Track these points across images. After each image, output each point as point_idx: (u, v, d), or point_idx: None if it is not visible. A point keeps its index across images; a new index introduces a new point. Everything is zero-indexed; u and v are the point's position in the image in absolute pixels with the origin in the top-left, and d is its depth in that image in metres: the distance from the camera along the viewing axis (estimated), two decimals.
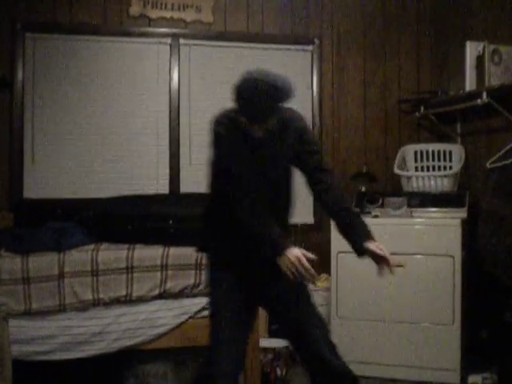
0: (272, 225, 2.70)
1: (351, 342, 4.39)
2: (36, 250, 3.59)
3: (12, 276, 3.52)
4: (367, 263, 4.30)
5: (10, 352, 2.62)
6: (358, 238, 2.85)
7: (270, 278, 2.82)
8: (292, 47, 5.20)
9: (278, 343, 4.25)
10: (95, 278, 3.55)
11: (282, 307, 2.91)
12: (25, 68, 4.68)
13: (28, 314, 3.51)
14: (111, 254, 3.59)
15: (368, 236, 2.83)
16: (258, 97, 2.64)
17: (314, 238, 5.12)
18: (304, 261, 2.64)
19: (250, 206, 2.70)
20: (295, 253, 2.64)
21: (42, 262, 3.54)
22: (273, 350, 4.12)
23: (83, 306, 3.52)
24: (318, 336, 2.88)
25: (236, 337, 2.82)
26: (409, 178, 4.82)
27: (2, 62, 4.65)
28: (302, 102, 5.19)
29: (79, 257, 3.55)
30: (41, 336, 3.47)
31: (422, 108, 5.12)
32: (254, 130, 2.72)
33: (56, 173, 4.70)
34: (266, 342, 4.12)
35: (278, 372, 4.11)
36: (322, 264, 4.86)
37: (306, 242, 5.07)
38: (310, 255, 2.68)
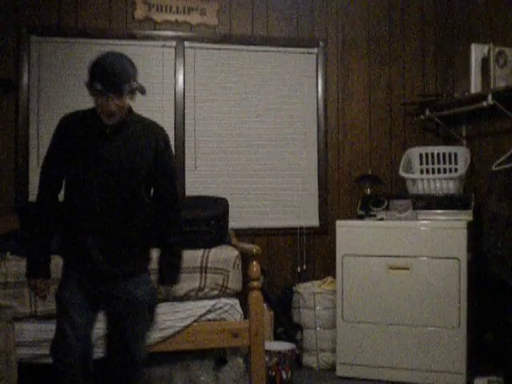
0: (38, 244, 2.91)
1: (357, 345, 4.39)
2: None
3: (18, 279, 3.52)
4: (373, 267, 4.32)
5: (15, 354, 2.63)
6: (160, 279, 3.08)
7: (104, 279, 2.90)
8: (297, 50, 5.20)
9: (283, 346, 4.24)
10: None
11: (115, 313, 2.95)
12: (30, 71, 4.69)
13: (34, 316, 3.52)
14: None
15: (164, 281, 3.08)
16: (112, 63, 2.77)
17: (319, 241, 5.13)
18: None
19: (36, 215, 2.93)
20: (31, 284, 2.93)
21: None
22: (278, 353, 4.11)
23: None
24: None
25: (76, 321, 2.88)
26: (414, 180, 4.82)
27: (7, 65, 4.66)
28: (307, 105, 5.20)
29: None
30: (46, 339, 3.46)
31: (427, 110, 5.12)
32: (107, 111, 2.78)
33: None
34: (271, 345, 4.11)
35: (284, 375, 4.11)
36: (327, 267, 4.88)
37: (310, 244, 5.10)
38: (40, 293, 2.96)
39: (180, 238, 3.06)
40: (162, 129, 3.04)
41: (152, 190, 3.01)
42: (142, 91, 2.87)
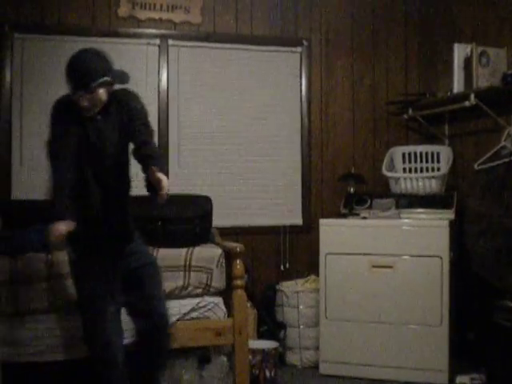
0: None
1: (340, 343, 4.41)
2: (24, 251, 3.58)
3: (0, 277, 3.50)
4: (356, 265, 4.35)
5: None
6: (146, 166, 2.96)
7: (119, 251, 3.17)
8: (281, 49, 5.20)
9: (267, 345, 4.25)
10: None
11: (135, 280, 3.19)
12: (13, 69, 4.65)
13: (16, 315, 3.50)
14: None
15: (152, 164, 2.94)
16: (80, 63, 2.98)
17: (302, 239, 5.13)
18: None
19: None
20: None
21: (30, 263, 3.52)
22: (261, 351, 4.12)
23: (71, 307, 3.49)
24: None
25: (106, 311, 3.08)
26: (397, 179, 4.84)
27: None
28: (291, 104, 5.21)
29: (67, 258, 3.52)
30: (29, 337, 3.45)
31: (411, 110, 5.14)
32: (84, 102, 2.95)
33: (44, 174, 4.65)
34: (254, 344, 4.12)
35: (267, 373, 4.11)
36: (311, 265, 4.88)
37: (294, 243, 5.10)
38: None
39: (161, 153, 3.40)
40: (128, 92, 3.18)
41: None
42: (122, 81, 3.05)
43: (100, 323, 3.05)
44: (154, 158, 2.95)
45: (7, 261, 3.52)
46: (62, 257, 3.52)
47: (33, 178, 4.62)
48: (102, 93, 2.97)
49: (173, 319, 3.63)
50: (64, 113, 3.04)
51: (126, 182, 3.23)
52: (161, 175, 2.82)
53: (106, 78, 2.96)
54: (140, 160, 3.01)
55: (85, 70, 2.93)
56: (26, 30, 4.69)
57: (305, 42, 5.22)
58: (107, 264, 3.12)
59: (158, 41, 4.94)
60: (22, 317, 3.50)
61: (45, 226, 2.91)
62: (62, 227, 2.83)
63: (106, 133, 3.05)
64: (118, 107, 3.09)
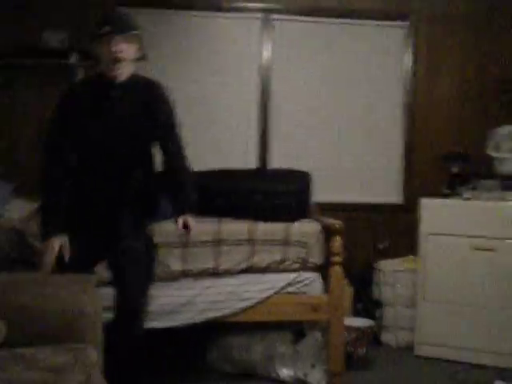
0: (53, 205, 3.11)
1: (437, 325, 4.33)
2: None
3: None
4: (457, 247, 4.24)
5: (101, 318, 2.71)
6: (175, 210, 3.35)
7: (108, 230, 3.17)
8: (385, 23, 5.09)
9: (363, 323, 4.23)
10: (184, 250, 3.61)
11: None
12: None
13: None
14: (199, 227, 3.61)
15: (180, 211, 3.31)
16: (119, 12, 3.27)
17: (402, 218, 5.05)
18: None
19: (46, 172, 3.15)
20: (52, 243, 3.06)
21: None
22: (357, 329, 4.10)
23: (173, 277, 3.58)
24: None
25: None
26: (503, 160, 4.67)
27: None
28: (394, 79, 5.11)
29: (169, 228, 3.60)
30: None
31: None
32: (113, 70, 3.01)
33: None
34: (350, 321, 4.10)
35: (361, 351, 4.10)
36: (409, 245, 4.80)
37: (393, 221, 5.03)
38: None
39: (191, 183, 3.35)
40: (159, 86, 3.26)
41: (159, 145, 3.31)
42: (144, 55, 3.18)
43: None
44: (184, 194, 3.30)
45: None
46: (163, 227, 3.59)
47: None
48: (133, 48, 3.04)
49: (268, 293, 3.68)
50: (76, 97, 3.12)
51: (138, 160, 3.26)
52: (187, 222, 3.25)
53: (138, 32, 3.07)
54: (171, 188, 3.36)
55: (125, 17, 3.10)
56: (131, 3, 4.77)
57: (411, 17, 5.08)
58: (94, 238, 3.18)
59: (260, 15, 4.94)
60: None
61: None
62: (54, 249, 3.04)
63: (125, 115, 3.12)
64: (145, 93, 3.16)
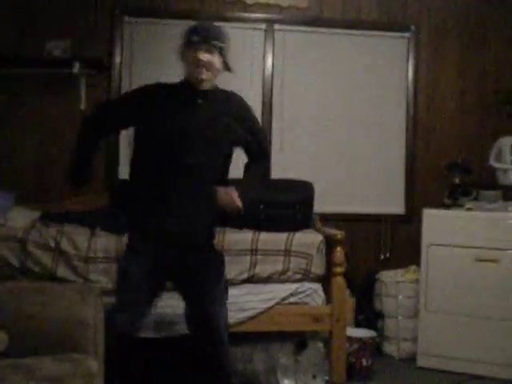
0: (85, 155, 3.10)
1: (439, 336, 4.32)
2: None
3: (106, 254, 3.62)
4: (459, 258, 4.24)
5: (102, 328, 2.71)
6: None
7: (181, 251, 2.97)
8: (387, 34, 5.10)
9: (365, 333, 4.22)
10: None
11: (189, 284, 3.07)
12: (123, 52, 4.79)
13: None
14: None
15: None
16: (209, 23, 3.21)
17: (403, 228, 5.04)
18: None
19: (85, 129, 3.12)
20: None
21: None
22: (359, 339, 4.09)
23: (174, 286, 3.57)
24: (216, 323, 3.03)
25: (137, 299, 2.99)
26: (505, 170, 4.67)
27: (100, 45, 4.76)
28: (396, 90, 5.11)
29: None
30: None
31: None
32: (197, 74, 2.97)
33: None
34: (352, 332, 4.09)
35: (364, 362, 4.08)
36: (411, 255, 4.79)
37: (395, 232, 5.02)
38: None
39: (261, 175, 3.24)
40: (241, 98, 3.23)
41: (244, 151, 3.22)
42: (228, 67, 3.07)
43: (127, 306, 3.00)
44: (249, 177, 3.16)
45: (114, 238, 3.64)
46: None
47: None
48: (218, 60, 2.99)
49: (270, 303, 3.68)
50: (155, 94, 3.09)
51: (214, 172, 3.05)
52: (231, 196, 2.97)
53: (225, 45, 3.02)
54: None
55: (214, 29, 3.05)
56: (137, 13, 4.81)
57: (413, 28, 5.09)
58: (157, 266, 2.98)
59: (264, 25, 4.95)
60: None
61: None
62: None
63: (205, 122, 3.00)
64: (227, 104, 3.11)
